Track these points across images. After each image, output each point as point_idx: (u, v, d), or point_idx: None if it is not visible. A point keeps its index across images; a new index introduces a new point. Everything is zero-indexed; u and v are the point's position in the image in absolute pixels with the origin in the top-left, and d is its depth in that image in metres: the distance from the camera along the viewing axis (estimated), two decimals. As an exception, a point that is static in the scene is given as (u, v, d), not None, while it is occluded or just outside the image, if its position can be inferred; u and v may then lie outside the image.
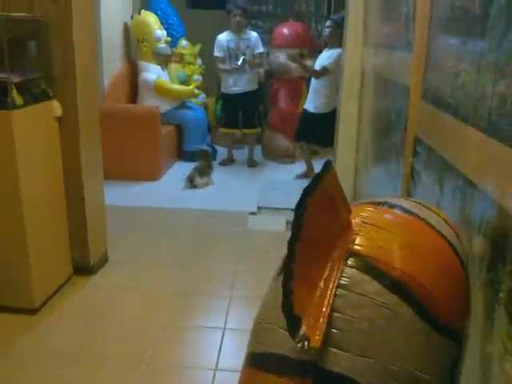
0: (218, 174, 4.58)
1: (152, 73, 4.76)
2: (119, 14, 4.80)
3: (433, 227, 0.99)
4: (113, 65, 4.58)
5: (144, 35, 4.75)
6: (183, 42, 5.28)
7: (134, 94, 4.88)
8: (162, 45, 4.79)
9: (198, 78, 5.39)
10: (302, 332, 0.76)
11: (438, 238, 0.97)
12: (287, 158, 5.10)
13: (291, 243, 0.82)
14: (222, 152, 5.07)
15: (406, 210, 1.02)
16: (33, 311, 2.29)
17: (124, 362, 2.03)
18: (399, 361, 0.80)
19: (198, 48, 5.40)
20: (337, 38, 4.09)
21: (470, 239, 1.25)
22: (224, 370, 1.98)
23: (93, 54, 2.62)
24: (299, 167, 4.75)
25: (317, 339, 0.76)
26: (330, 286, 0.81)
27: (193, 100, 5.13)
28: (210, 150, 4.64)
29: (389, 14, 2.62)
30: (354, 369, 0.78)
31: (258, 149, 5.27)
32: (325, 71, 4.09)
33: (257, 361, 0.90)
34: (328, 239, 0.86)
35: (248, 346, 0.97)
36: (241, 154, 5.17)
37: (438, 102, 1.54)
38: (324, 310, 0.79)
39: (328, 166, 0.87)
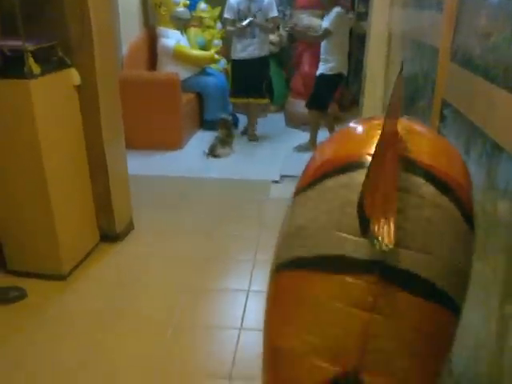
0: (240, 142, 4.54)
1: (171, 38, 4.67)
2: (136, -23, 4.70)
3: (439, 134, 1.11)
4: (131, 31, 4.51)
5: (162, -1, 4.64)
6: (202, 5, 5.14)
7: (153, 61, 4.81)
8: (180, 8, 4.67)
9: (218, 42, 5.27)
10: (375, 232, 0.83)
11: (449, 143, 1.10)
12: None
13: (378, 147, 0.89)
14: (243, 120, 4.95)
15: (414, 121, 1.11)
16: (62, 278, 2.36)
17: (152, 324, 2.09)
18: (449, 255, 0.89)
19: (217, 11, 5.22)
20: (334, 1, 3.95)
21: (495, 203, 1.26)
22: (248, 329, 2.04)
23: (110, 20, 2.56)
24: (323, 134, 4.64)
25: (390, 239, 0.82)
26: (393, 190, 0.87)
27: (213, 66, 5.03)
28: (230, 118, 4.54)
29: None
30: (416, 264, 0.86)
31: (279, 117, 5.16)
32: (327, 33, 3.97)
33: (311, 263, 0.93)
34: (385, 146, 0.92)
35: (285, 251, 1.00)
36: (263, 121, 5.07)
37: (468, 64, 1.48)
38: (391, 211, 0.85)
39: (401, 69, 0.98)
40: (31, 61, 2.02)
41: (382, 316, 0.85)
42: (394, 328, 0.85)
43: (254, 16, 4.30)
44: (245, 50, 4.39)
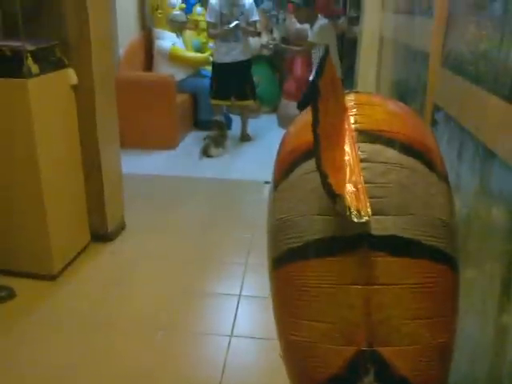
0: (233, 143, 4.57)
1: (167, 40, 4.71)
2: (134, -20, 4.73)
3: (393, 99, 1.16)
4: (128, 32, 4.53)
5: (159, 2, 4.67)
6: (198, 9, 5.19)
7: (149, 62, 4.84)
8: (176, 12, 4.71)
9: (212, 45, 5.30)
10: (350, 207, 0.83)
11: (409, 109, 1.13)
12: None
13: (315, 128, 0.87)
14: (237, 122, 4.96)
15: (369, 93, 1.15)
16: (52, 277, 2.33)
17: (141, 327, 2.07)
18: (428, 211, 0.92)
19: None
20: (306, 16, 3.99)
21: (489, 209, 1.25)
22: (239, 337, 2.02)
23: (107, 22, 2.59)
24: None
25: (366, 209, 0.83)
26: (356, 161, 0.89)
27: (208, 68, 5.06)
28: (223, 119, 4.58)
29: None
30: (397, 227, 0.88)
31: (272, 119, 5.22)
32: (311, 46, 4.02)
33: (301, 252, 0.94)
34: (336, 122, 0.94)
35: (276, 248, 1.01)
36: (255, 122, 5.11)
37: (459, 69, 1.49)
38: (360, 183, 0.87)
39: (326, 50, 0.96)
40: (30, 61, 2.04)
41: (380, 286, 0.87)
42: (393, 295, 0.88)
43: (237, 20, 4.29)
44: (228, 53, 4.38)
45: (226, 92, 4.53)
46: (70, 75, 2.34)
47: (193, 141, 4.64)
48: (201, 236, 2.88)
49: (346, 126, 0.94)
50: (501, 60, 1.17)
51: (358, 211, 0.83)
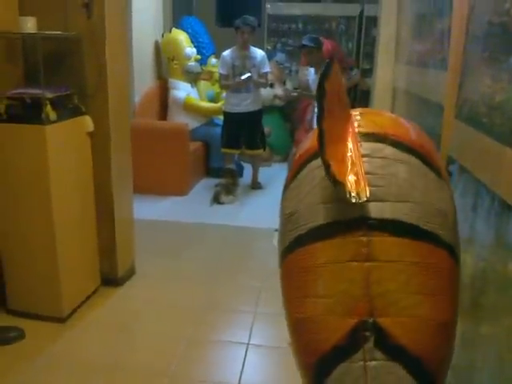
0: (244, 190, 4.60)
1: (182, 90, 4.84)
2: (150, 32, 4.92)
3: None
4: (144, 82, 4.68)
5: (174, 53, 4.84)
6: (213, 60, 5.35)
7: (163, 111, 4.96)
8: (191, 63, 4.86)
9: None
10: (351, 191, 0.91)
11: (409, 121, 1.22)
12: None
13: (320, 123, 0.96)
14: (248, 170, 5.01)
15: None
16: (61, 320, 2.33)
17: (148, 374, 2.04)
18: (426, 200, 0.99)
19: (227, 66, 5.45)
20: (317, 59, 4.12)
21: (505, 263, 1.22)
22: (247, 387, 1.97)
23: (125, 72, 2.68)
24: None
25: (365, 192, 0.92)
26: (357, 156, 0.98)
27: (220, 117, 5.17)
28: (235, 167, 4.63)
29: (422, 30, 2.60)
30: (396, 212, 0.96)
31: (283, 167, 5.26)
32: None
33: (307, 237, 1.01)
34: (341, 123, 1.03)
35: (285, 240, 1.08)
36: (267, 171, 5.16)
37: (473, 121, 1.50)
38: (360, 172, 0.95)
39: (332, 60, 1.04)
40: (49, 108, 2.11)
41: (378, 262, 0.93)
42: (392, 270, 0.93)
43: (250, 72, 4.35)
44: (240, 104, 4.44)
45: (237, 141, 4.58)
46: (87, 122, 2.40)
47: (204, 188, 4.68)
48: (210, 283, 2.85)
49: (350, 127, 1.03)
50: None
51: (358, 194, 0.91)
